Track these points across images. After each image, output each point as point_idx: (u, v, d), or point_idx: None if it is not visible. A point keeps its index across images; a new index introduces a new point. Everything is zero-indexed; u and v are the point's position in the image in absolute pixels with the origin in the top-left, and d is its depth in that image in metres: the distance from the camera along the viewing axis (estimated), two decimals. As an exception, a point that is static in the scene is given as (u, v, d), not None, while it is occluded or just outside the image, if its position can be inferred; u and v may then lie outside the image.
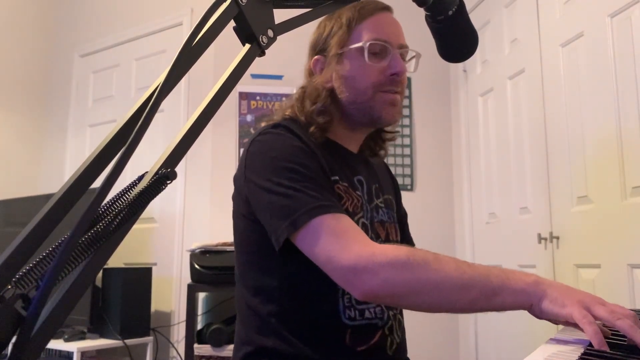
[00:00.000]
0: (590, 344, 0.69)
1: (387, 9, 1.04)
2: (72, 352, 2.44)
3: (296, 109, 1.03)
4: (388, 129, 1.12)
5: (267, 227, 0.90)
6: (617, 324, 0.66)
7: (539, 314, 0.73)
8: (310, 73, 1.06)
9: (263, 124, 1.02)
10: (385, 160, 1.23)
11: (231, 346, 2.32)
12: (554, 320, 0.73)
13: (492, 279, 0.76)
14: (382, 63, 1.00)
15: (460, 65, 2.96)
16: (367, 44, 0.98)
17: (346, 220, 0.86)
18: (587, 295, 0.72)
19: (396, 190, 1.22)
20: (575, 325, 0.69)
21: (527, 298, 0.74)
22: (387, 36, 1.00)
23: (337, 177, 0.98)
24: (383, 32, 1.00)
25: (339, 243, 0.82)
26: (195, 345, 2.36)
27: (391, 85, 1.00)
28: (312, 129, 1.00)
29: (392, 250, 0.81)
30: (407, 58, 1.06)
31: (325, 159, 0.97)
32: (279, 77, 2.95)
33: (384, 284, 0.78)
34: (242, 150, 2.88)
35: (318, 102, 1.00)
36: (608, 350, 0.63)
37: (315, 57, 1.05)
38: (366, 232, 1.00)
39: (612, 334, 0.71)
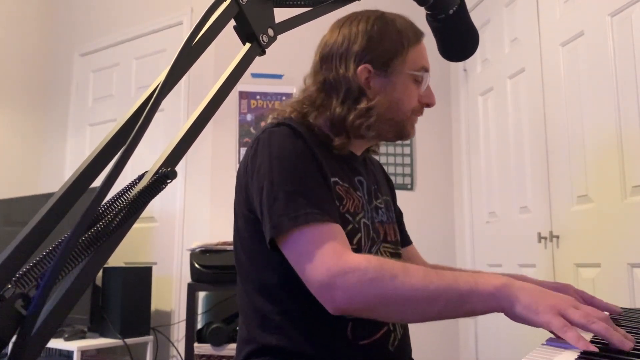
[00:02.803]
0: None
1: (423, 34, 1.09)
2: (72, 351, 2.44)
3: (311, 112, 0.99)
4: None
5: (261, 224, 0.91)
6: (593, 327, 0.65)
7: (513, 319, 0.73)
8: (357, 79, 0.99)
9: (269, 120, 1.02)
10: (385, 160, 1.24)
11: (231, 345, 2.33)
12: (530, 325, 0.72)
13: (460, 286, 0.77)
14: (420, 90, 1.05)
15: (460, 64, 2.97)
16: (425, 75, 1.04)
17: (329, 230, 0.87)
18: (559, 298, 0.72)
19: (392, 190, 1.23)
20: (553, 332, 0.69)
21: (497, 303, 0.74)
22: (427, 65, 1.06)
23: (337, 179, 0.98)
24: (426, 62, 1.06)
25: (313, 256, 0.83)
26: (196, 345, 2.36)
27: (420, 112, 1.07)
28: (340, 140, 0.99)
29: (362, 264, 0.81)
30: None
31: (327, 160, 0.97)
32: (279, 77, 2.95)
33: (352, 300, 0.80)
34: (242, 149, 2.90)
35: (370, 119, 0.98)
36: (596, 351, 0.62)
37: (364, 65, 1.00)
38: (368, 232, 1.00)
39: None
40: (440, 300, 0.77)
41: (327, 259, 0.83)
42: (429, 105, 1.07)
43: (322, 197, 0.91)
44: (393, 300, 0.80)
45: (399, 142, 2.93)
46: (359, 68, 0.99)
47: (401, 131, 1.06)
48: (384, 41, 1.00)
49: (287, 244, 0.87)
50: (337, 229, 0.88)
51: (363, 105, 0.98)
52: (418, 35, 1.05)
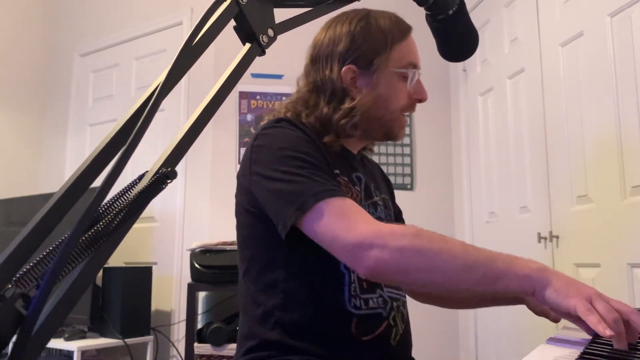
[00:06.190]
0: (590, 343, 0.69)
1: (411, 29, 1.08)
2: (73, 351, 2.44)
3: (303, 112, 1.01)
4: None
5: (274, 214, 0.90)
6: (611, 325, 0.66)
7: (542, 301, 0.74)
8: (341, 79, 1.01)
9: (266, 120, 1.03)
10: (385, 160, 1.25)
11: (231, 345, 2.33)
12: (555, 309, 0.73)
13: (498, 263, 0.77)
14: (410, 87, 1.04)
15: (460, 64, 2.97)
16: (412, 72, 1.02)
17: (352, 203, 0.87)
18: (592, 289, 0.73)
19: (390, 190, 1.24)
20: (576, 319, 0.69)
21: (531, 284, 0.75)
22: (417, 61, 1.05)
23: (338, 171, 1.00)
24: (415, 57, 1.05)
25: (345, 222, 0.83)
26: (196, 345, 2.36)
27: (411, 109, 1.06)
28: (329, 138, 1.00)
29: (399, 228, 0.82)
30: None
31: (327, 153, 0.99)
32: (279, 77, 2.95)
33: (389, 259, 0.79)
34: (242, 149, 2.90)
35: (354, 118, 0.99)
36: (622, 343, 0.63)
37: (348, 66, 1.01)
38: None
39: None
40: (477, 272, 0.77)
41: (362, 223, 0.82)
42: (420, 100, 1.05)
43: (334, 179, 0.92)
44: (431, 265, 0.79)
45: (399, 142, 2.96)
46: (343, 69, 1.01)
47: (389, 131, 1.05)
48: (367, 40, 1.01)
49: (312, 218, 0.85)
50: (356, 203, 0.88)
51: (347, 105, 1.00)
52: (404, 32, 1.04)
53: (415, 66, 1.04)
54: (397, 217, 1.21)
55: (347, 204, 0.86)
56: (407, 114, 1.06)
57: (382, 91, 1.02)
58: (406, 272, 0.81)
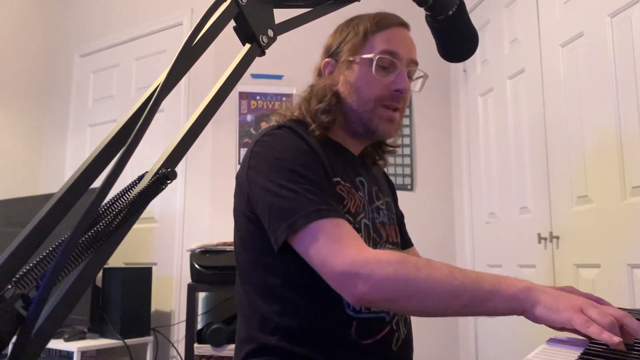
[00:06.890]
0: (590, 343, 0.69)
1: (404, 24, 1.07)
2: (72, 352, 2.44)
3: (303, 109, 1.05)
4: (388, 141, 1.15)
5: (267, 227, 0.91)
6: (608, 330, 0.66)
7: (533, 319, 0.74)
8: (320, 74, 1.09)
9: (270, 123, 1.05)
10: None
11: (231, 346, 2.33)
12: (550, 325, 0.73)
13: (484, 285, 0.77)
14: (389, 78, 1.02)
15: (460, 65, 2.97)
16: (377, 56, 1.01)
17: (343, 225, 0.87)
18: (579, 298, 0.73)
19: (393, 193, 1.24)
20: (573, 331, 0.69)
21: (519, 304, 0.75)
22: (398, 51, 1.03)
23: (339, 179, 0.99)
24: (395, 47, 1.03)
25: (334, 247, 0.83)
26: (196, 345, 2.36)
27: (392, 101, 1.03)
28: (313, 126, 1.02)
29: (385, 256, 0.82)
30: (415, 77, 1.09)
31: (329, 159, 0.98)
32: (279, 77, 2.95)
33: (375, 289, 0.79)
34: (242, 150, 2.90)
35: (323, 102, 1.02)
36: (621, 346, 0.63)
37: (327, 59, 1.08)
38: (368, 232, 1.01)
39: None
40: (463, 296, 0.77)
41: (349, 251, 0.83)
42: (399, 91, 1.02)
43: (329, 194, 0.92)
44: (417, 293, 0.79)
45: (399, 142, 2.96)
46: (322, 63, 1.08)
47: (368, 124, 1.03)
48: (340, 34, 1.07)
49: (302, 239, 0.86)
50: (348, 224, 0.89)
51: (316, 88, 1.05)
52: (383, 24, 1.04)
53: (392, 54, 1.02)
54: (399, 220, 1.20)
55: (337, 228, 0.86)
56: (391, 107, 1.03)
57: (352, 79, 1.03)
58: (393, 300, 0.81)
